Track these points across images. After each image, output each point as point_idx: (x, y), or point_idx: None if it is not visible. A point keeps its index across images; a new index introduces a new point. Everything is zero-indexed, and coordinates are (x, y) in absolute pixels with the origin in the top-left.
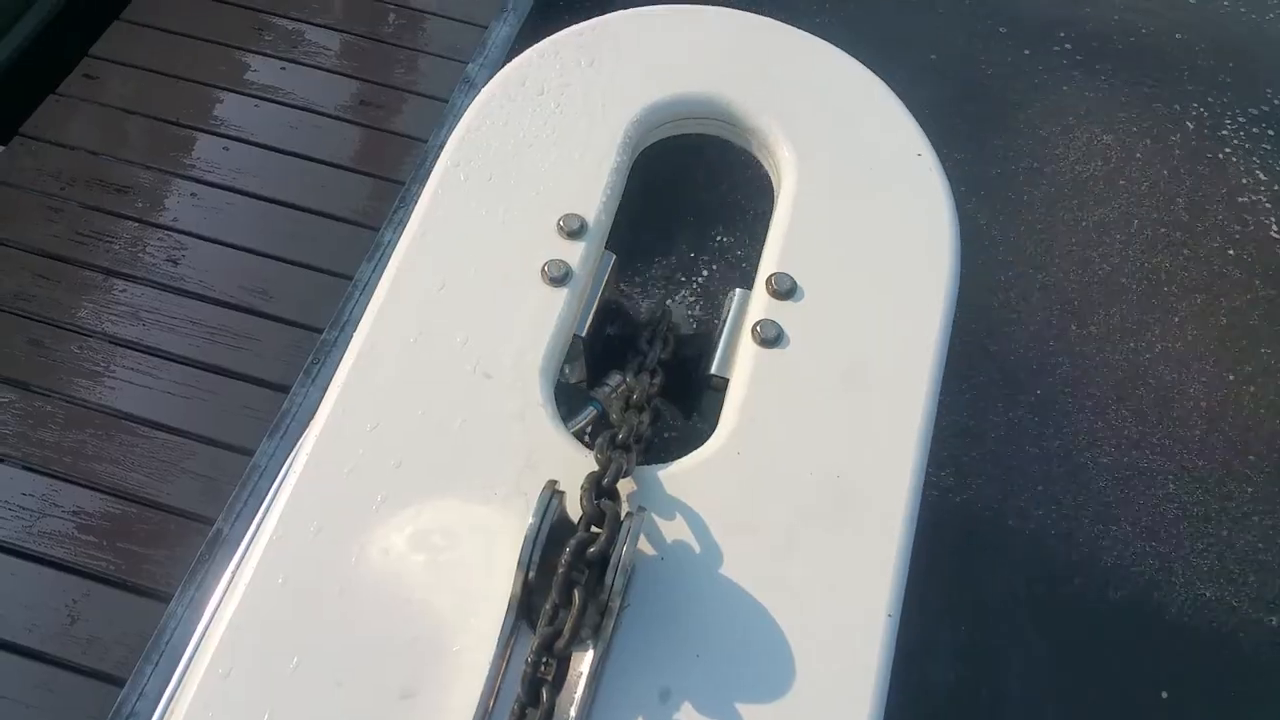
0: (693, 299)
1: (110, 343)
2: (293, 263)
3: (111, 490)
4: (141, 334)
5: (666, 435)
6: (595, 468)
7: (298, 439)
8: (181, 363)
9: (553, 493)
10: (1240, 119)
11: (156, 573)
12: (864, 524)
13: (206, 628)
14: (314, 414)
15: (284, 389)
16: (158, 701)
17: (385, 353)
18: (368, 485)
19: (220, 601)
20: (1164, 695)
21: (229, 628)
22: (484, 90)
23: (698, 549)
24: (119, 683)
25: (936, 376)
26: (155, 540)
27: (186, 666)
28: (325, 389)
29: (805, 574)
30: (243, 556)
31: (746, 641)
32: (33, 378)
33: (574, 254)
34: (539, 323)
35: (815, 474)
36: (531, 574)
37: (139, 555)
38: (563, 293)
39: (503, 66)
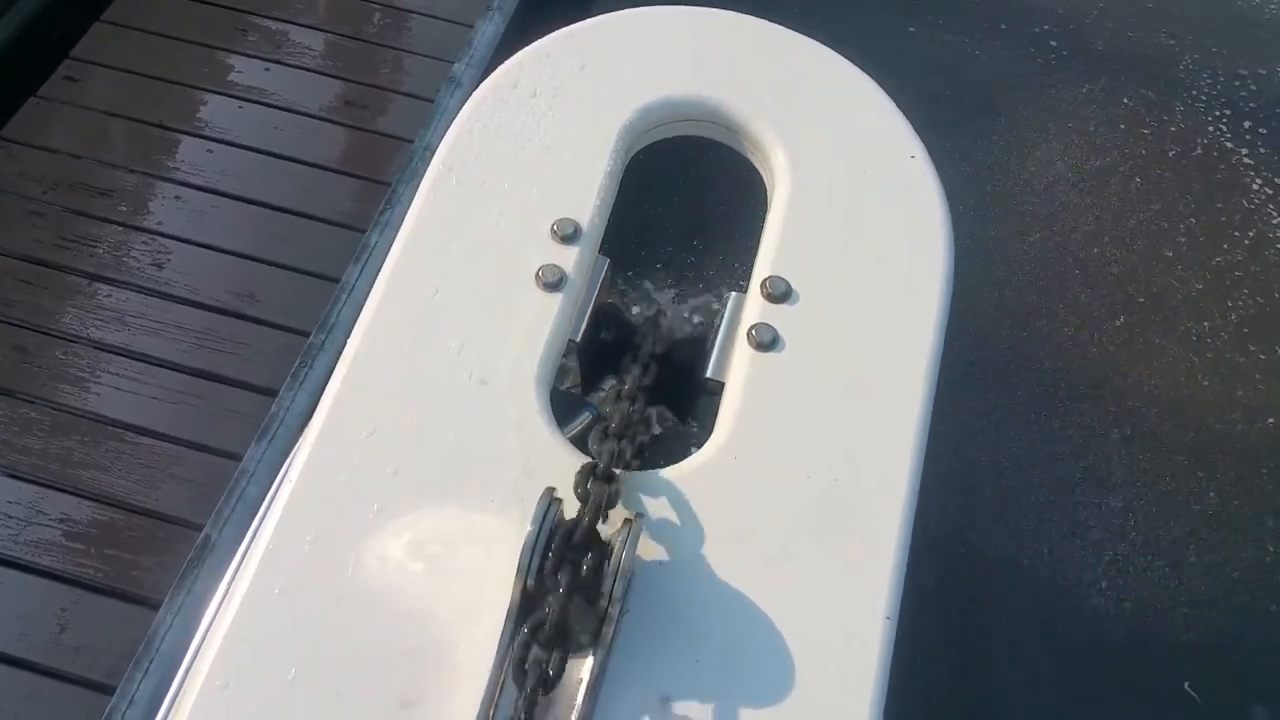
0: (686, 303)
1: (95, 348)
2: (278, 265)
3: (98, 497)
4: (127, 339)
5: (662, 438)
6: None
7: (286, 443)
8: (168, 368)
9: (550, 500)
10: (1242, 119)
11: (145, 579)
12: (861, 528)
13: (204, 637)
14: (302, 418)
15: (271, 393)
16: (148, 709)
17: (379, 359)
18: (364, 493)
19: (216, 611)
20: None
21: (226, 639)
22: (476, 93)
23: (695, 554)
24: (109, 691)
25: (933, 380)
26: (143, 547)
27: (184, 676)
28: (313, 393)
29: (803, 578)
30: (239, 565)
31: (745, 646)
32: (17, 384)
33: (568, 259)
34: (534, 329)
35: (812, 478)
36: (530, 582)
37: (127, 562)
38: (557, 298)
39: (489, 66)
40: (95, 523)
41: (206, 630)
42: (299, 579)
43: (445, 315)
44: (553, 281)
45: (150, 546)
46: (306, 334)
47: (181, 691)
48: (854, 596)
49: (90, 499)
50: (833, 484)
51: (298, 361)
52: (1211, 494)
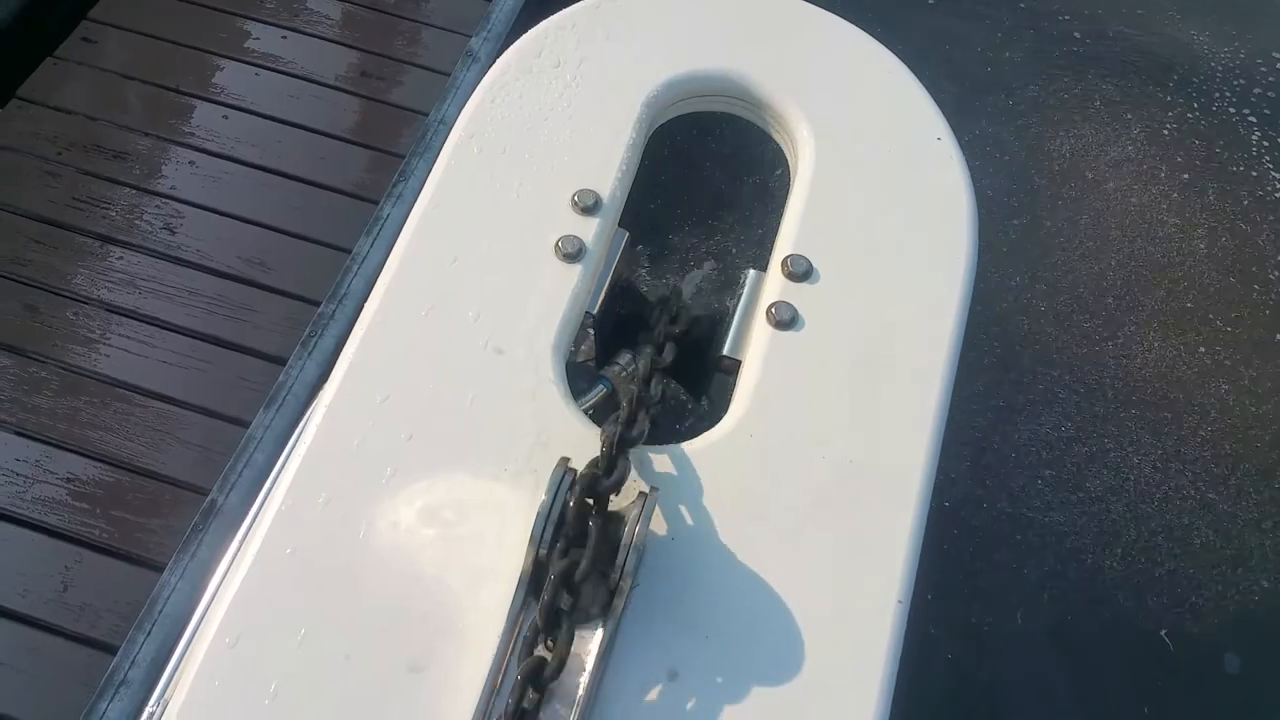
0: (704, 280)
1: (106, 310)
2: (291, 234)
3: (105, 458)
4: (138, 302)
5: (677, 422)
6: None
7: (294, 411)
8: (178, 332)
9: (565, 470)
10: (1264, 110)
11: (149, 541)
12: (876, 509)
13: (213, 597)
14: (311, 387)
15: (280, 361)
16: (150, 669)
17: (396, 325)
18: (378, 457)
19: (225, 572)
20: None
21: (236, 597)
22: (499, 60)
23: (708, 530)
24: (111, 650)
25: (953, 363)
26: (149, 509)
27: (192, 634)
28: (322, 362)
29: (816, 558)
30: (249, 527)
31: (756, 624)
32: (27, 343)
33: (588, 230)
34: (552, 299)
35: (828, 458)
36: (543, 551)
37: (132, 524)
38: (576, 269)
39: (506, 41)
40: (101, 483)
41: (215, 591)
42: (311, 540)
43: (463, 283)
44: (572, 252)
45: (156, 509)
46: (317, 303)
47: (190, 648)
48: (867, 578)
49: (97, 459)
50: (849, 464)
51: (307, 330)
52: (1232, 483)
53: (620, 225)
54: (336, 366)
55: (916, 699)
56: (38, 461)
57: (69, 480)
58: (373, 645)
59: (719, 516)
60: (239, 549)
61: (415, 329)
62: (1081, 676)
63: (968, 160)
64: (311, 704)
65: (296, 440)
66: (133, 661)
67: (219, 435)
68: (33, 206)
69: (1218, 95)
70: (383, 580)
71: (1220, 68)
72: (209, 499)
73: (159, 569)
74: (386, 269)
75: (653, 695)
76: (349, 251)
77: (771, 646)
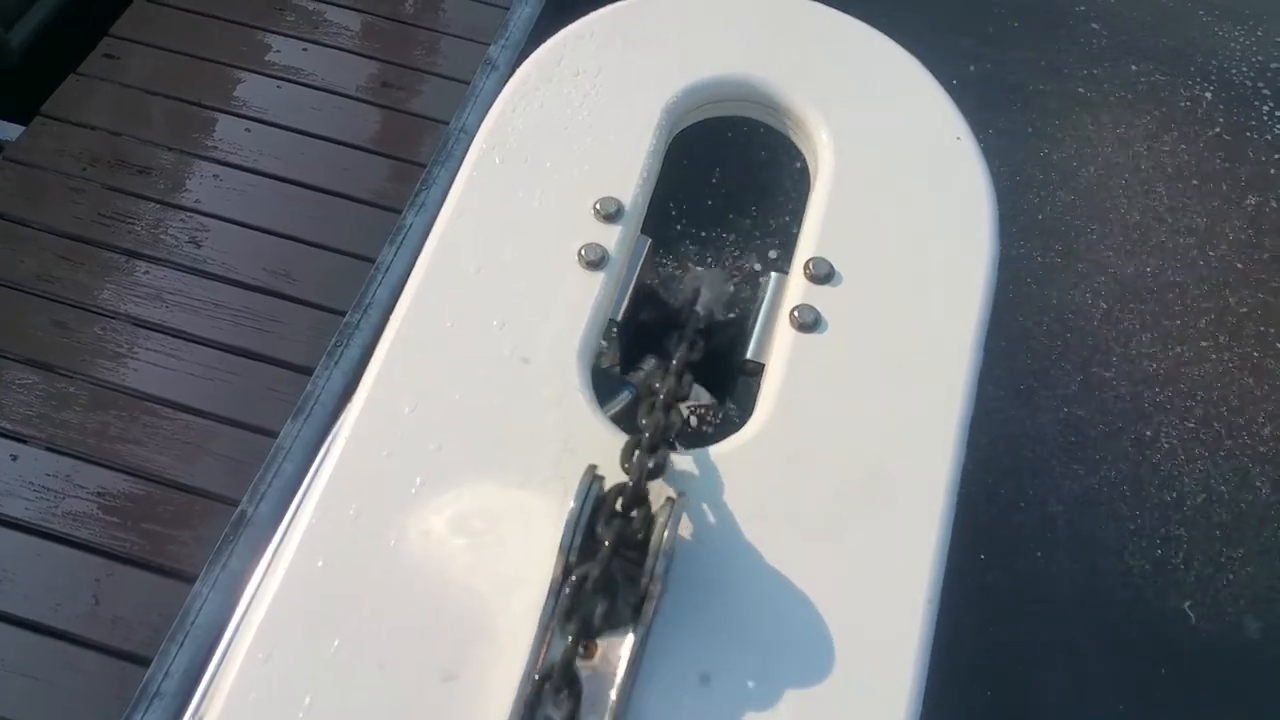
0: (726, 284)
1: (133, 324)
2: (314, 245)
3: (135, 471)
4: (165, 316)
5: (704, 427)
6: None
7: (321, 421)
8: (205, 344)
9: (594, 477)
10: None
11: (180, 553)
12: (903, 510)
13: (245, 611)
14: (338, 396)
15: (307, 371)
16: (183, 681)
17: (421, 336)
18: (406, 468)
19: (259, 584)
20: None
21: (269, 611)
22: (519, 70)
23: (735, 534)
24: (144, 662)
25: (976, 362)
26: (179, 521)
27: (226, 649)
28: (348, 372)
29: (843, 560)
30: (280, 541)
31: (785, 626)
32: (56, 359)
33: (610, 237)
34: (576, 307)
35: (854, 461)
36: (572, 558)
37: (163, 536)
38: (599, 276)
39: (525, 49)
40: (131, 496)
41: (248, 605)
42: (342, 552)
43: (487, 292)
44: (595, 260)
45: (186, 521)
46: (342, 313)
47: (224, 663)
48: (896, 579)
49: (127, 473)
50: (875, 466)
51: (333, 340)
52: (1261, 488)
53: (642, 232)
54: (363, 379)
55: (947, 698)
56: (68, 476)
57: (99, 494)
58: (405, 655)
59: (746, 520)
60: (270, 561)
61: (440, 339)
62: (1121, 673)
63: (988, 159)
64: (346, 716)
65: (326, 452)
66: (166, 673)
67: (247, 446)
68: (58, 223)
69: (1246, 89)
70: (414, 590)
71: (1248, 60)
72: (239, 510)
73: (190, 580)
74: (411, 280)
75: (684, 699)
76: (373, 261)
77: (802, 648)
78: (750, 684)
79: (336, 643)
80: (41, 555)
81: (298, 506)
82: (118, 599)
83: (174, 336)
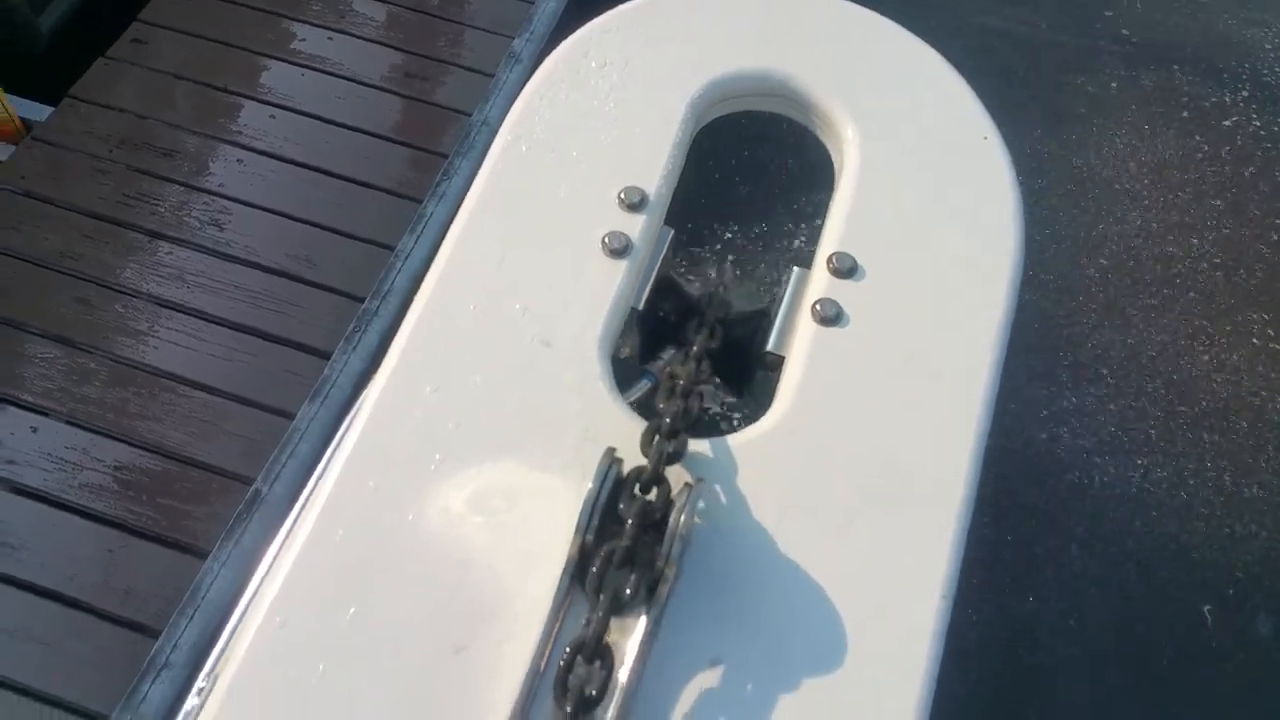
0: (747, 277)
1: (155, 304)
2: (336, 231)
3: (152, 447)
4: (186, 296)
5: (720, 414)
6: None
7: (338, 404)
8: (225, 325)
9: (612, 460)
10: None
11: (195, 529)
12: (920, 506)
13: (258, 585)
14: (355, 380)
15: (325, 355)
16: (191, 653)
17: (445, 318)
18: (426, 446)
19: (274, 559)
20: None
21: (286, 578)
22: (546, 62)
23: (751, 522)
24: (154, 634)
25: (999, 361)
26: (194, 497)
27: (240, 617)
28: (365, 357)
29: (859, 553)
30: (297, 516)
31: (799, 615)
32: (78, 335)
33: (634, 227)
34: (598, 294)
35: (872, 455)
36: (589, 538)
37: (178, 511)
38: (622, 265)
39: (549, 42)
40: (148, 471)
41: (263, 576)
42: (360, 523)
43: (511, 278)
44: (618, 249)
45: (201, 498)
46: (361, 299)
47: (239, 627)
48: (911, 573)
49: (144, 449)
50: (894, 461)
51: (352, 325)
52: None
53: (666, 224)
54: (387, 357)
55: (958, 694)
56: (86, 449)
57: (116, 468)
58: (419, 625)
59: (762, 509)
60: (286, 535)
61: (464, 322)
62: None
63: (1014, 158)
64: (358, 682)
65: (346, 429)
66: (175, 645)
67: (264, 426)
68: (84, 203)
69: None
70: (429, 563)
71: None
72: (253, 488)
73: (202, 556)
74: (436, 263)
75: (695, 681)
76: (392, 249)
77: (814, 638)
78: (761, 669)
79: (352, 610)
80: (58, 525)
81: (316, 482)
82: (130, 571)
83: (194, 317)
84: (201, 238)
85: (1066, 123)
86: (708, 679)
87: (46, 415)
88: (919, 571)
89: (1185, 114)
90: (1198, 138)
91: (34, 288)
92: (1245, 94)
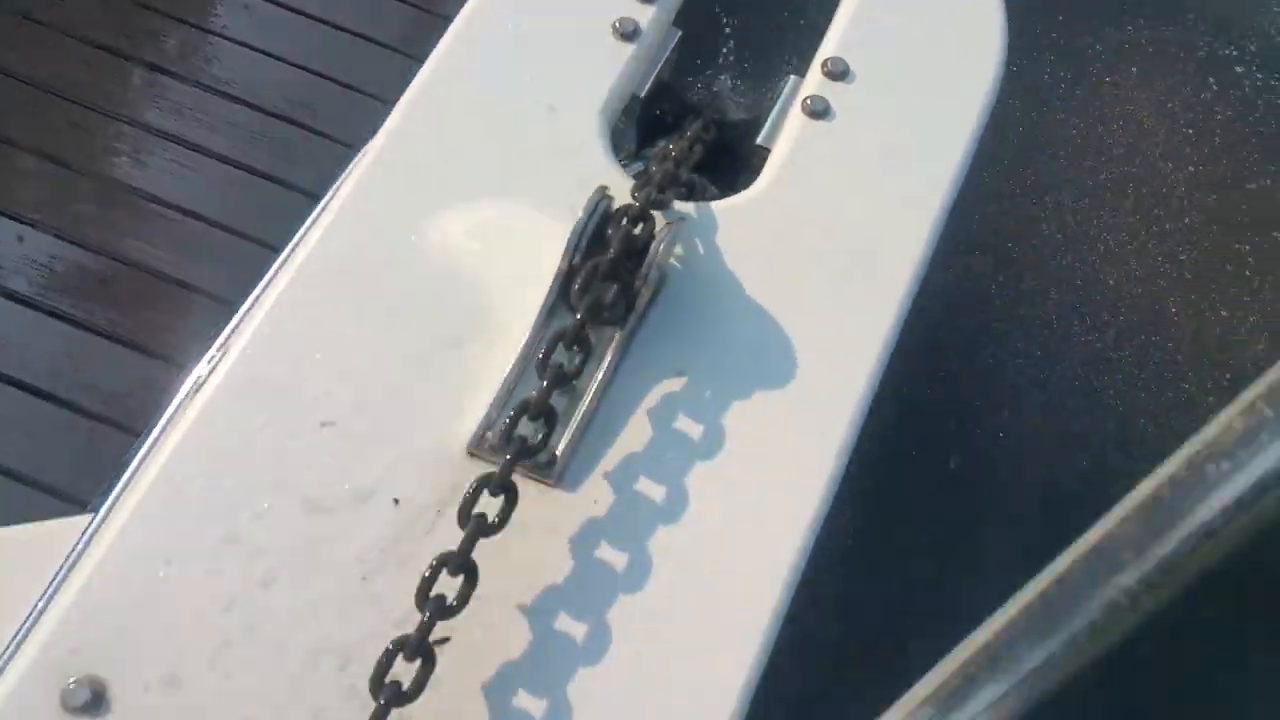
0: (744, 86)
1: (149, 132)
2: (336, 81)
3: (137, 264)
4: (181, 128)
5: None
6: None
7: None
8: (219, 159)
9: (603, 196)
10: None
11: (174, 341)
12: (873, 283)
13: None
14: None
15: (315, 197)
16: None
17: (456, 75)
18: (434, 178)
19: (286, 256)
20: None
21: (300, 270)
22: None
23: (722, 270)
24: (135, 433)
25: (965, 164)
26: (176, 312)
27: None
28: None
29: (813, 308)
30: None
31: (754, 345)
32: (72, 157)
33: (644, 15)
34: (604, 69)
35: (839, 230)
36: (577, 259)
37: (159, 324)
38: (630, 48)
39: None
40: (131, 286)
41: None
42: (366, 240)
43: (522, 49)
44: (627, 33)
45: (183, 313)
46: (357, 148)
47: (244, 319)
48: (855, 331)
49: (128, 264)
50: (856, 242)
51: (346, 171)
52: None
53: (674, 25)
54: (398, 105)
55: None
56: (72, 260)
57: (100, 281)
58: (418, 322)
59: (734, 261)
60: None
61: (472, 83)
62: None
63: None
64: (355, 364)
65: (357, 161)
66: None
67: (247, 253)
68: (88, 32)
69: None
70: (430, 270)
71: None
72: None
73: (182, 366)
74: (446, 36)
75: (661, 385)
76: (393, 103)
77: (765, 365)
78: (718, 382)
79: (357, 299)
80: (40, 329)
81: (325, 204)
82: (115, 376)
83: (189, 149)
84: (202, 75)
85: (1081, 60)
86: (672, 385)
87: (34, 227)
88: (862, 339)
89: (1200, 57)
90: (1210, 80)
91: (27, 109)
92: (1253, 49)
